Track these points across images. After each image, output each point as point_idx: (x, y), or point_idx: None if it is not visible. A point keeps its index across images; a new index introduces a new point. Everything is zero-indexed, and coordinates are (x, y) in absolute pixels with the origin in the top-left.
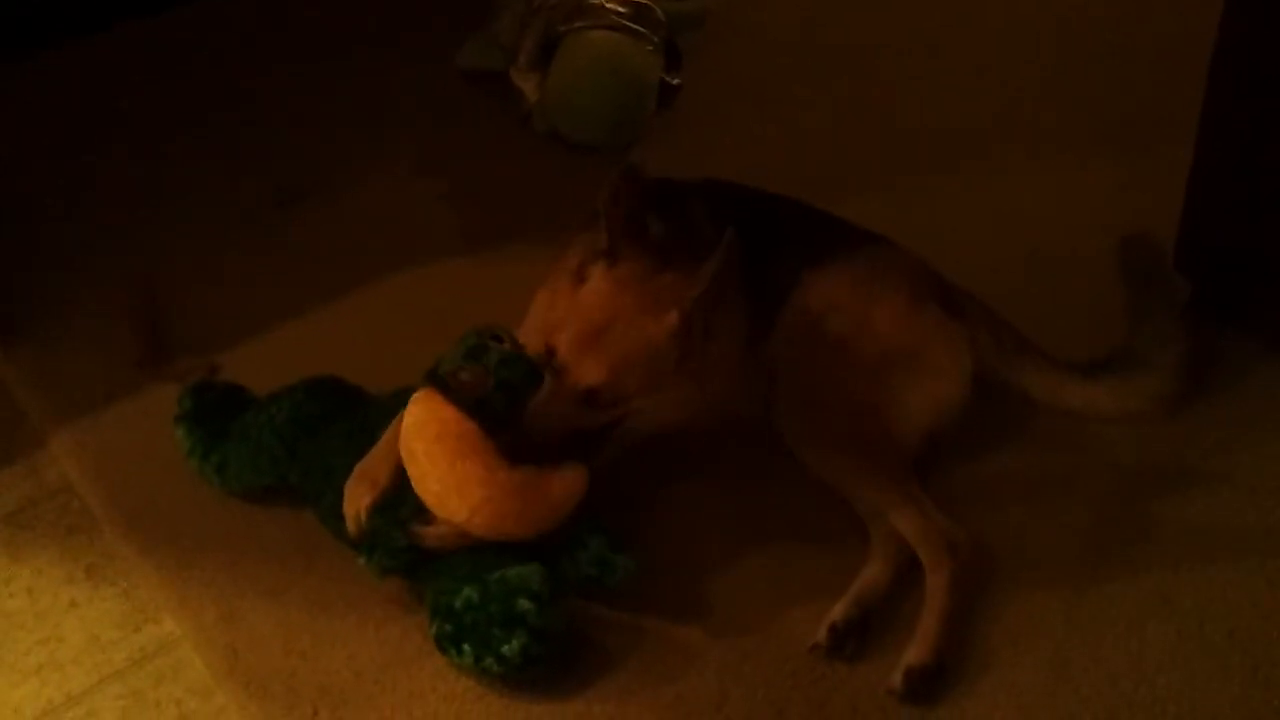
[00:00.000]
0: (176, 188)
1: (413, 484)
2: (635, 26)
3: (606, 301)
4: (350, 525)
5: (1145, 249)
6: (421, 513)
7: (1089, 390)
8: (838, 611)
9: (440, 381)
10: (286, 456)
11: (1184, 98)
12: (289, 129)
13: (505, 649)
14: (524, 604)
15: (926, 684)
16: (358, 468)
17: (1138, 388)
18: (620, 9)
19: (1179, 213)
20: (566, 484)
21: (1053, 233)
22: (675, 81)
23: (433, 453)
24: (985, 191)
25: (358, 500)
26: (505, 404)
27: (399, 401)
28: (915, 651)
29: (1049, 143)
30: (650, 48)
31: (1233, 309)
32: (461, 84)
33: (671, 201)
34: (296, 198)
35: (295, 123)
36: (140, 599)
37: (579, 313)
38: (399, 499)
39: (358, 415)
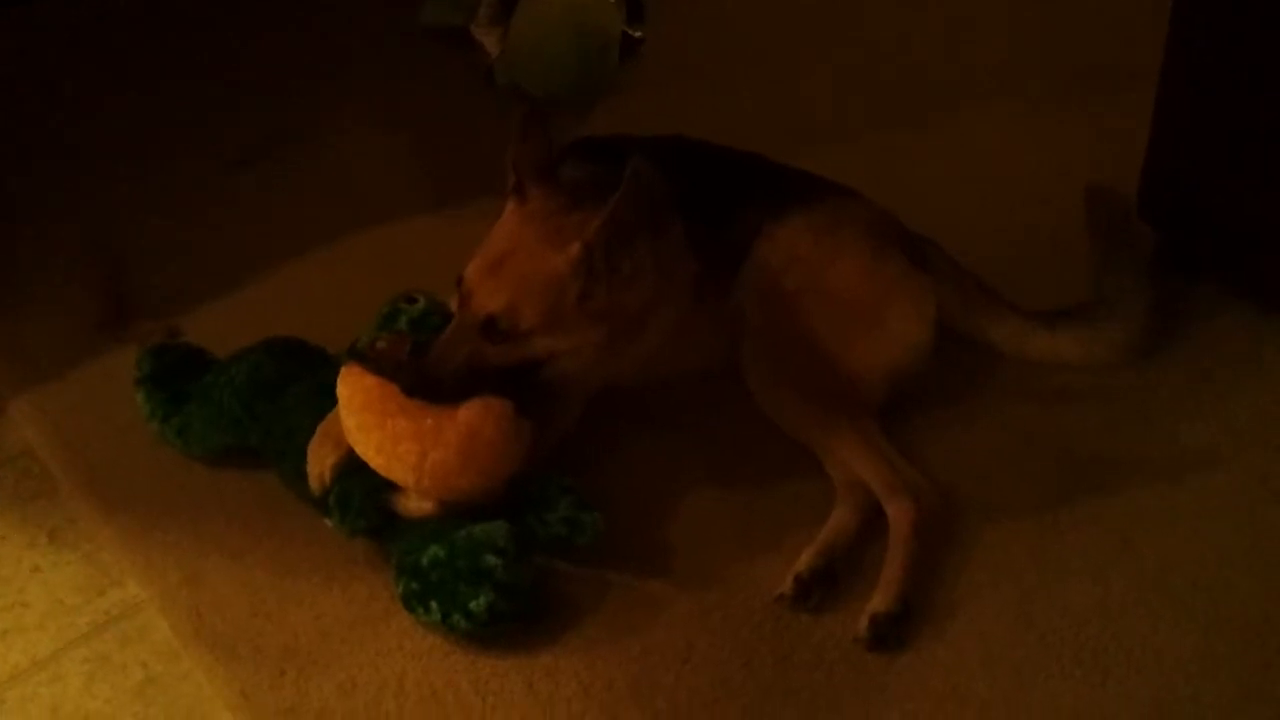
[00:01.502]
0: (135, 149)
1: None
2: None
3: (511, 233)
4: (314, 485)
5: (1110, 200)
6: None
7: (1054, 339)
8: (803, 562)
9: (359, 355)
10: (247, 418)
11: (1147, 48)
12: (249, 89)
13: (472, 605)
14: (490, 560)
15: (892, 630)
16: (321, 427)
17: (1103, 336)
18: None
19: (1142, 161)
20: (497, 420)
21: (1018, 184)
22: (638, 34)
23: (364, 424)
24: (951, 143)
25: (322, 460)
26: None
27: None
28: (880, 598)
29: (1014, 94)
30: (612, 0)
31: (1196, 258)
32: (423, 40)
33: (612, 154)
34: (257, 158)
35: (256, 83)
36: (103, 563)
37: (486, 244)
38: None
39: (319, 376)
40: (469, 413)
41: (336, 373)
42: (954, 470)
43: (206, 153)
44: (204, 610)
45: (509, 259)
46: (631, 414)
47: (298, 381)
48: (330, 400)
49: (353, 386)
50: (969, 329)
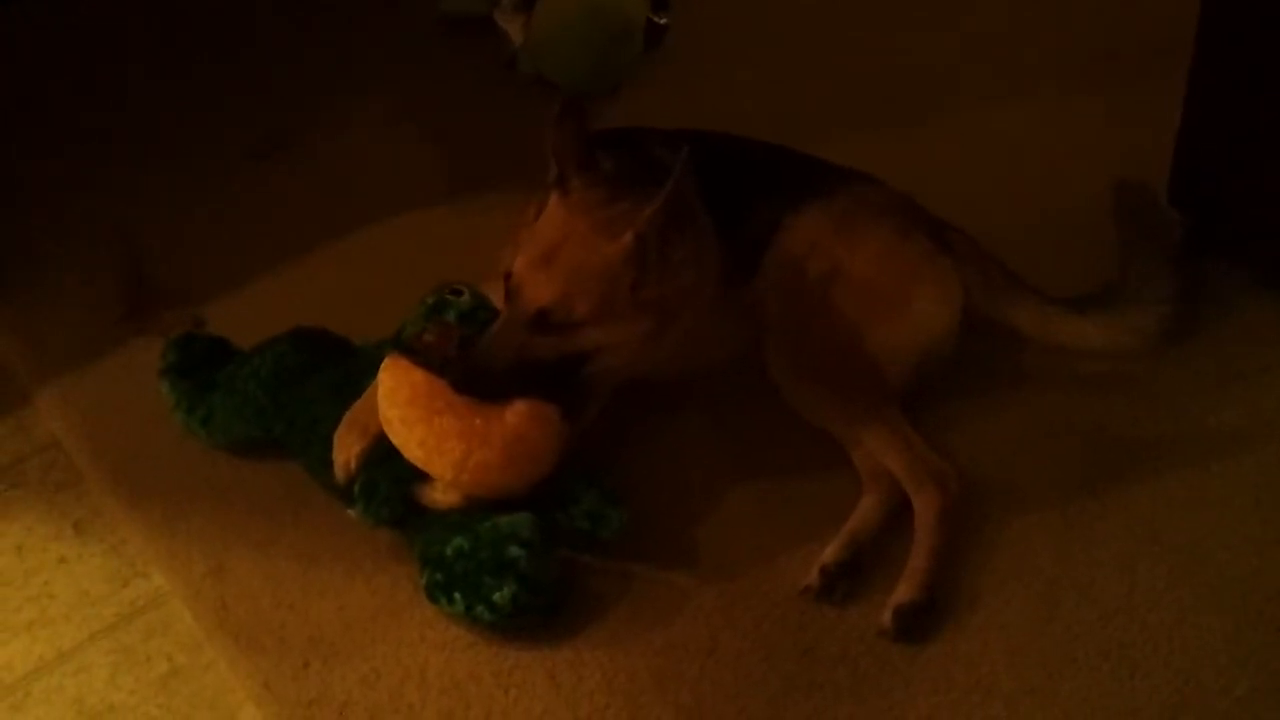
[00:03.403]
0: (158, 139)
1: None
2: None
3: (560, 224)
4: (339, 473)
5: (1138, 191)
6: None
7: (1079, 326)
8: (829, 553)
9: (405, 346)
10: (271, 408)
11: (1177, 28)
12: (270, 77)
13: (496, 596)
14: (514, 551)
15: (916, 622)
16: (347, 415)
17: (1129, 323)
18: None
19: (1172, 145)
20: (542, 425)
21: (1043, 167)
22: (663, 21)
23: (408, 417)
24: (976, 127)
25: (348, 449)
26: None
27: (385, 352)
28: (904, 589)
29: (1041, 76)
30: None
31: (1226, 242)
32: (441, 29)
33: (631, 144)
34: (276, 148)
35: (276, 71)
36: (129, 554)
37: (534, 236)
38: (393, 451)
39: (343, 366)
40: (517, 416)
41: (360, 363)
42: (979, 459)
43: (227, 143)
44: (228, 601)
45: (559, 251)
46: (656, 407)
47: (322, 371)
48: (354, 390)
49: (399, 379)
50: (993, 315)
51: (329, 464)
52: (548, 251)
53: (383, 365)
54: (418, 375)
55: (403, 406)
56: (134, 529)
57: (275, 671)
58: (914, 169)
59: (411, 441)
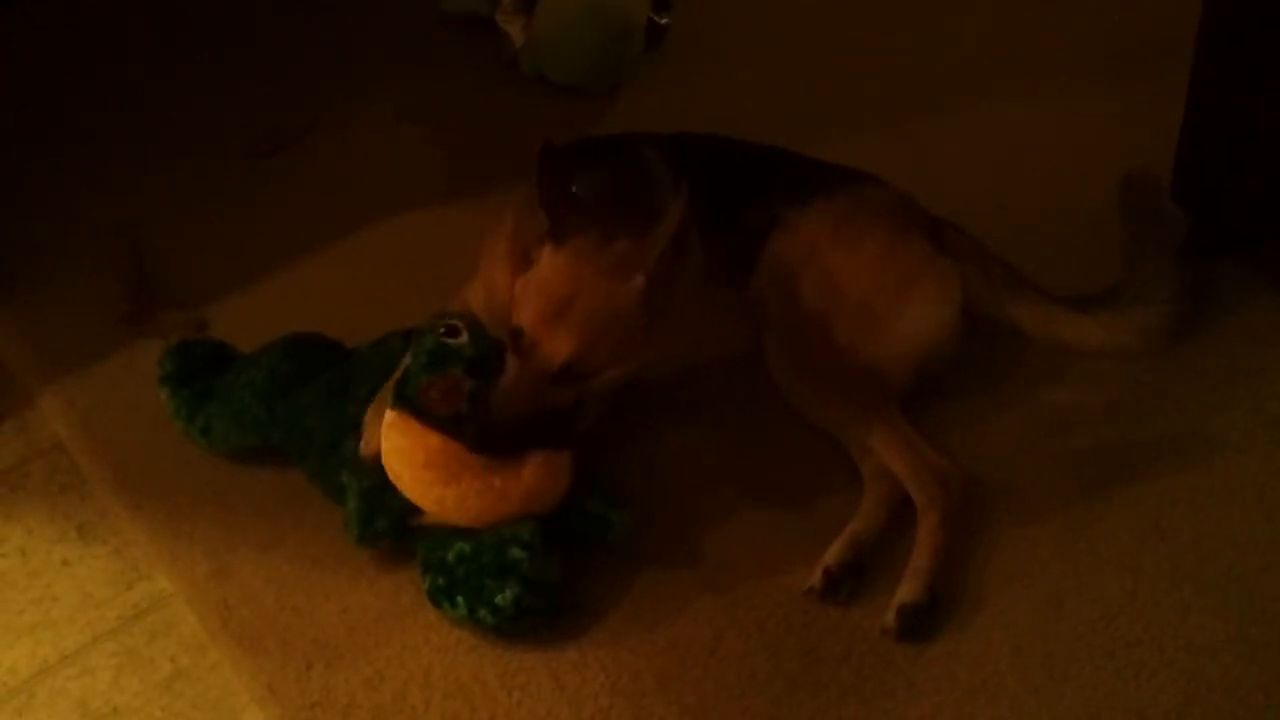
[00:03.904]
0: (160, 140)
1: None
2: None
3: (566, 275)
4: (367, 452)
5: (1144, 187)
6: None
7: (1082, 324)
8: (831, 554)
9: (413, 404)
10: (268, 418)
11: (1178, 27)
12: (269, 79)
13: (498, 599)
14: (516, 554)
15: (920, 621)
16: (381, 394)
17: (1132, 322)
18: None
19: (1175, 144)
20: (558, 475)
21: (1045, 166)
22: (664, 21)
23: (423, 478)
24: (976, 126)
25: (378, 433)
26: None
27: (378, 353)
28: (908, 589)
29: (1042, 75)
30: None
31: (1230, 241)
32: (442, 29)
33: (617, 152)
34: (279, 148)
35: (278, 71)
36: (132, 556)
37: (540, 290)
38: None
39: (337, 371)
40: (534, 473)
41: (354, 366)
42: (981, 459)
43: (229, 143)
44: (232, 604)
45: (572, 303)
46: (657, 409)
47: (315, 378)
48: (348, 397)
49: (414, 442)
50: (995, 313)
51: (328, 470)
52: (559, 306)
53: (388, 423)
54: (433, 440)
55: (418, 469)
56: (137, 531)
57: (279, 674)
58: (914, 169)
59: (428, 500)
